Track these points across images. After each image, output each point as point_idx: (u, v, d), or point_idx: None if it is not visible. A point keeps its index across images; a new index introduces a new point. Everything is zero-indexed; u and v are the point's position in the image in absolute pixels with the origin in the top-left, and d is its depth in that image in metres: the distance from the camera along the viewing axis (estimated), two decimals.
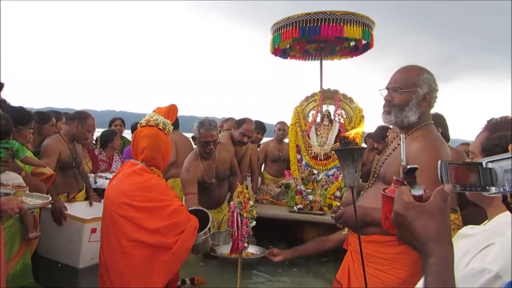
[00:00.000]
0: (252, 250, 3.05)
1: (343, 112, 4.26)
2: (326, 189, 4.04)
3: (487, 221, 0.95)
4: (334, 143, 4.16)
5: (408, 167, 0.79)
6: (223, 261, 2.98)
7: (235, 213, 2.32)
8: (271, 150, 5.06)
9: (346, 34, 3.94)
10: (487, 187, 0.77)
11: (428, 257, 0.72)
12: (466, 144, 5.16)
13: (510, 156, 0.76)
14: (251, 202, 2.37)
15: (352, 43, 4.57)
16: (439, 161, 0.78)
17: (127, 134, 5.33)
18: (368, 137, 4.55)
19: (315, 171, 4.10)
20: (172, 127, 2.30)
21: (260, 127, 4.78)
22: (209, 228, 2.29)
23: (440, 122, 2.95)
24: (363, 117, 4.17)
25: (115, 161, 4.34)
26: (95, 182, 3.72)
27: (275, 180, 4.88)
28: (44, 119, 3.37)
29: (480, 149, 0.96)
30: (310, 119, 4.36)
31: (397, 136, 1.82)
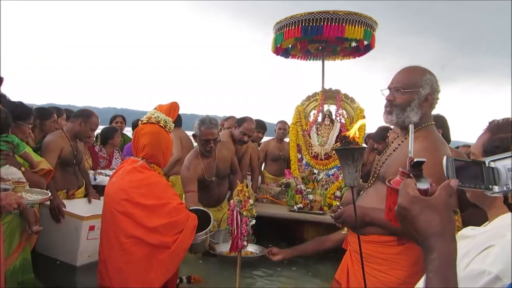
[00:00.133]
0: (252, 249, 3.06)
1: (344, 112, 4.25)
2: (326, 188, 4.04)
3: (487, 222, 0.95)
4: (335, 143, 4.16)
5: (415, 160, 0.77)
6: (222, 259, 2.99)
7: (235, 211, 2.32)
8: (272, 149, 5.06)
9: (348, 35, 3.93)
10: (490, 186, 0.76)
11: (430, 252, 0.71)
12: (467, 146, 5.15)
13: None
14: (251, 201, 2.37)
15: (353, 44, 4.56)
16: (445, 157, 0.77)
17: (128, 131, 5.32)
18: (368, 137, 4.55)
19: (315, 171, 4.10)
20: (173, 124, 2.29)
21: (261, 126, 4.79)
22: (210, 229, 2.28)
23: (441, 123, 2.94)
24: (364, 117, 4.16)
25: (115, 158, 4.34)
26: (95, 179, 3.72)
27: (275, 179, 4.88)
28: (46, 115, 3.36)
29: (482, 151, 0.95)
30: (311, 118, 4.35)
31: (397, 136, 1.82)
